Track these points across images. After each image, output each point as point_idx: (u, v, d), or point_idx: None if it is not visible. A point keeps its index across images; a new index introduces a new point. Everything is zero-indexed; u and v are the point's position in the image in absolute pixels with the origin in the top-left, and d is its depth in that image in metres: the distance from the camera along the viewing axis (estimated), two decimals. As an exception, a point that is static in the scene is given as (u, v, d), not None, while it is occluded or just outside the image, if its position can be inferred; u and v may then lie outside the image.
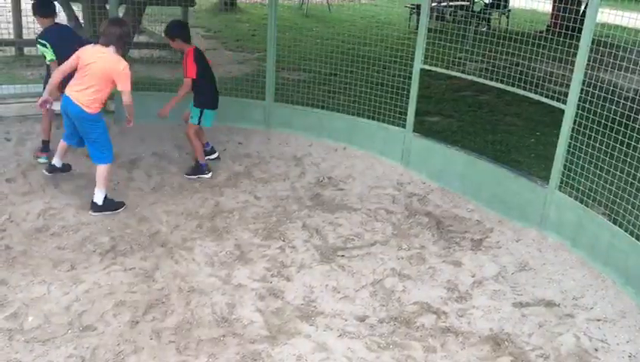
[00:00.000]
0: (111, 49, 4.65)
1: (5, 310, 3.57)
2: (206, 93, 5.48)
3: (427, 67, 5.67)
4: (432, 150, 5.76)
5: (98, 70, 4.60)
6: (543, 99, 4.87)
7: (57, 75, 4.73)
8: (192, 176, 5.52)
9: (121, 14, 6.94)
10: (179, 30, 5.41)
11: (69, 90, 4.68)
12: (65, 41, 5.26)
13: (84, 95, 4.61)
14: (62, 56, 5.08)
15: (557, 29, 5.04)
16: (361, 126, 6.30)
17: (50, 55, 5.28)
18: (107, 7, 6.58)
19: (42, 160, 5.55)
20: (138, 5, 7.43)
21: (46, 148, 5.62)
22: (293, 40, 8.40)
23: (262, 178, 5.67)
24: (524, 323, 3.79)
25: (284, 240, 4.60)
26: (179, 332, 3.50)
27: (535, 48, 5.20)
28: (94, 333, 3.45)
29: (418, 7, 8.15)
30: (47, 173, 5.26)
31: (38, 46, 5.31)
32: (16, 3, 9.10)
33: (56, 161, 5.27)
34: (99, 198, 4.78)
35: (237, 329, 3.57)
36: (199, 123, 5.50)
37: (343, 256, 4.44)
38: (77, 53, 4.70)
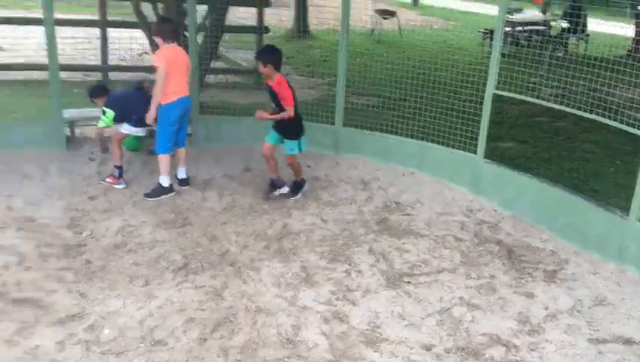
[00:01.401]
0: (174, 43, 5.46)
1: (84, 322, 3.76)
2: (299, 122, 5.54)
3: (500, 92, 5.57)
4: (504, 177, 5.63)
5: (186, 62, 5.54)
6: (623, 127, 4.67)
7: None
8: (297, 196, 5.68)
9: (199, 41, 7.23)
10: (274, 56, 5.32)
11: (182, 91, 5.47)
12: (125, 103, 5.73)
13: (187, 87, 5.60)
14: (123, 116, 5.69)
15: (638, 54, 4.83)
16: (431, 151, 6.24)
17: (106, 120, 5.66)
18: (186, 34, 6.91)
19: (121, 185, 5.72)
20: (215, 32, 7.75)
21: (121, 172, 5.76)
22: (363, 65, 8.47)
23: (329, 201, 5.71)
24: (600, 361, 3.59)
25: (350, 264, 4.60)
26: (245, 351, 3.56)
27: (615, 74, 5.01)
28: (165, 348, 3.56)
29: (491, 32, 8.05)
30: (182, 187, 5.74)
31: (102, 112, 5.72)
32: (104, 32, 9.70)
33: (183, 172, 5.81)
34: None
35: (301, 351, 3.59)
36: (300, 150, 5.60)
37: (409, 282, 4.39)
38: (166, 58, 5.28)
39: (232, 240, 4.87)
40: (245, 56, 10.78)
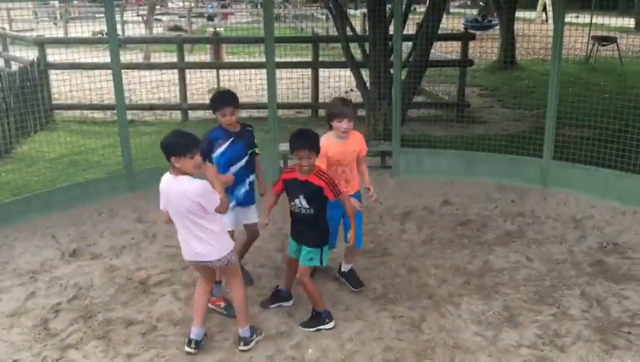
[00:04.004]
0: None
1: (291, 340, 4.00)
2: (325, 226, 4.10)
3: None
4: None
5: None
6: None
7: None
8: (310, 329, 4.10)
9: (403, 76, 7.41)
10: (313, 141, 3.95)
11: None
12: None
13: None
14: None
15: None
16: (658, 188, 5.56)
17: None
18: (391, 71, 7.15)
19: None
20: (420, 68, 7.91)
21: None
22: (576, 95, 7.91)
23: (535, 239, 5.38)
24: None
25: (558, 307, 4.27)
26: (442, 387, 3.49)
27: None
28: (363, 373, 3.64)
29: None
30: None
31: None
32: (316, 72, 10.48)
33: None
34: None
35: (502, 394, 3.41)
36: (321, 263, 4.11)
37: (629, 332, 3.92)
38: None
39: (430, 273, 4.84)
40: (447, 90, 10.77)
